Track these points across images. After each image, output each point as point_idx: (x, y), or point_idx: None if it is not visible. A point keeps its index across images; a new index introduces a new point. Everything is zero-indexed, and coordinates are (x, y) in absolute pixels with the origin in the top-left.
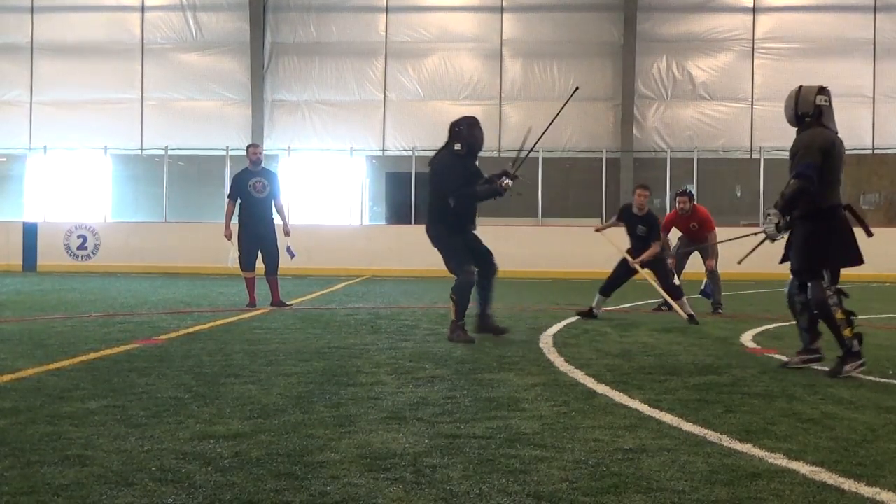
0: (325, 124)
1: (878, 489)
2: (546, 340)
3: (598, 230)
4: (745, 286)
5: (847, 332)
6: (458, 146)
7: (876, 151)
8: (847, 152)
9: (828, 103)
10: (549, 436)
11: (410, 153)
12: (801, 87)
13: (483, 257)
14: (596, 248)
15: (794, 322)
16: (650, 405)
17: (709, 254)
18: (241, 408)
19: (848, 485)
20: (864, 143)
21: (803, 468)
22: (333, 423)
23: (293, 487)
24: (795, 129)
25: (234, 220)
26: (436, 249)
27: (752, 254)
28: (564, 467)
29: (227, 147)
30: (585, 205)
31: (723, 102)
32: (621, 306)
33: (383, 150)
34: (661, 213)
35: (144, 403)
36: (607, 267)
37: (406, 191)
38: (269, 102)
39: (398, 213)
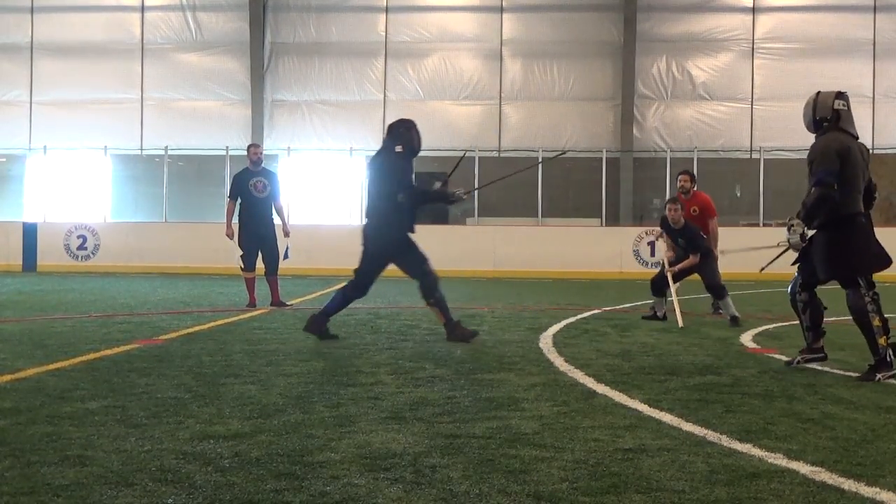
0: (325, 124)
1: (878, 489)
2: (546, 340)
3: (657, 238)
4: (745, 286)
5: (882, 341)
6: (399, 147)
7: (876, 151)
8: None
9: (845, 107)
10: (549, 436)
11: None
12: (818, 93)
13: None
14: (596, 248)
15: (795, 322)
16: (650, 405)
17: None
18: (241, 408)
19: (848, 485)
20: (863, 143)
21: (803, 468)
22: (333, 423)
23: (293, 487)
24: (814, 134)
25: (235, 219)
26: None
27: (773, 263)
28: (564, 467)
29: (227, 147)
30: (585, 205)
31: (723, 102)
32: (621, 306)
33: None
34: (658, 213)
35: (144, 403)
36: (607, 267)
37: None
38: (268, 102)
39: None
